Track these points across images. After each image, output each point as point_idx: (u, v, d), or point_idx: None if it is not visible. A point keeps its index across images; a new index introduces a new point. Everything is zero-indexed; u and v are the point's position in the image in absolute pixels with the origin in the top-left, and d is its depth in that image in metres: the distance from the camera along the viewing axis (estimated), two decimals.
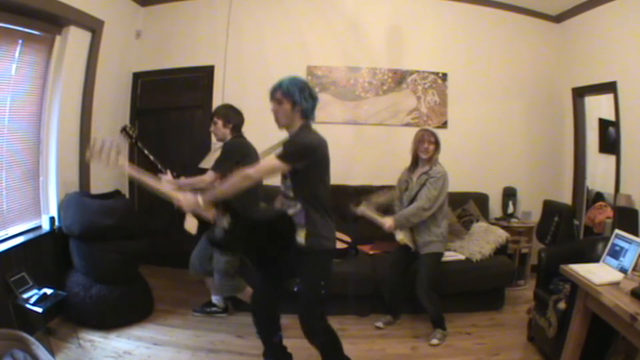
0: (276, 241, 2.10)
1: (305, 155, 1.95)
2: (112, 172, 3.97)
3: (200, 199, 1.97)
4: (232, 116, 2.94)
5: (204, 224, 2.21)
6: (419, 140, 2.95)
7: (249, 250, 2.26)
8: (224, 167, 2.69)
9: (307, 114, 2.03)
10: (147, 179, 2.09)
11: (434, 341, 2.85)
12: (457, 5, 4.23)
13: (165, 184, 2.15)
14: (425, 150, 2.91)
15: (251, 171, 1.96)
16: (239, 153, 2.79)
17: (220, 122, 2.92)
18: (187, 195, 2.00)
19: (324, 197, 2.05)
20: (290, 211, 2.05)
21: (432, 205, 2.84)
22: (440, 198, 2.87)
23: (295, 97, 1.98)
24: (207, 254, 3.01)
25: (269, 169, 1.98)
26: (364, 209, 2.97)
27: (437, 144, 2.93)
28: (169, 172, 2.78)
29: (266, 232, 2.10)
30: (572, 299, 2.28)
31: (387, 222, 2.90)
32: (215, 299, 3.24)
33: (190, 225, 2.26)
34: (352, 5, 4.21)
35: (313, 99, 2.04)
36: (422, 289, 2.86)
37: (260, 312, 2.27)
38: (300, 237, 2.02)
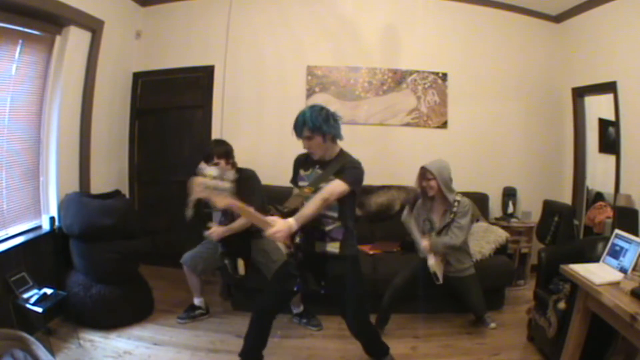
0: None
1: (361, 182, 2.14)
2: (112, 172, 3.99)
3: (293, 223, 1.94)
4: (230, 150, 2.98)
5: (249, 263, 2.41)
6: (420, 177, 2.93)
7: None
8: (259, 200, 2.82)
9: (338, 137, 2.15)
10: (251, 209, 1.98)
11: (492, 324, 3.11)
12: (457, 5, 4.23)
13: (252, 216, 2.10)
14: (429, 187, 2.88)
15: (327, 194, 2.02)
16: (260, 182, 3.03)
17: (223, 161, 2.90)
18: (280, 222, 1.92)
19: (355, 212, 2.23)
20: (328, 227, 2.14)
21: (460, 240, 2.87)
22: (467, 228, 2.91)
23: (324, 129, 2.06)
24: (204, 255, 3.08)
25: (339, 192, 2.04)
26: (407, 219, 3.05)
27: (436, 178, 2.83)
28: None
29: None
30: (572, 299, 2.28)
31: (424, 242, 2.90)
32: (197, 301, 3.21)
33: (242, 268, 2.28)
34: (352, 5, 4.21)
35: (337, 121, 2.13)
36: (481, 306, 3.07)
37: (268, 318, 2.31)
38: (333, 247, 2.13)
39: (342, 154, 2.19)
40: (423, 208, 3.02)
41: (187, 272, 3.12)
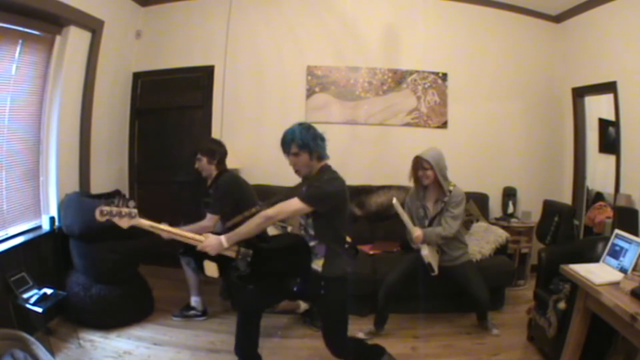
0: (294, 265, 2.16)
1: (329, 201, 2.02)
2: (112, 172, 3.99)
3: (224, 240, 2.02)
4: (217, 151, 2.91)
5: (224, 266, 2.23)
6: (415, 167, 2.87)
7: (271, 277, 2.24)
8: (223, 208, 2.75)
9: (323, 156, 2.10)
10: (165, 227, 2.12)
11: (495, 331, 3.04)
12: (457, 5, 4.23)
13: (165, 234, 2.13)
14: (425, 177, 2.83)
15: (273, 212, 2.00)
16: (236, 192, 2.84)
17: (205, 159, 2.88)
18: (210, 238, 2.04)
19: (343, 231, 2.14)
20: (311, 243, 2.12)
21: (454, 230, 2.82)
22: (461, 217, 2.86)
23: (311, 146, 2.04)
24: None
25: (291, 211, 2.02)
26: (398, 203, 2.77)
27: (433, 168, 2.78)
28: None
29: (284, 258, 2.18)
30: (572, 299, 2.28)
31: (417, 231, 2.78)
32: (194, 301, 3.20)
33: (211, 270, 2.26)
34: (352, 5, 4.21)
35: (323, 140, 2.11)
36: (483, 292, 2.92)
37: (252, 325, 2.29)
38: (317, 265, 2.09)
39: (322, 171, 2.09)
40: (417, 197, 2.97)
41: (184, 267, 3.14)
